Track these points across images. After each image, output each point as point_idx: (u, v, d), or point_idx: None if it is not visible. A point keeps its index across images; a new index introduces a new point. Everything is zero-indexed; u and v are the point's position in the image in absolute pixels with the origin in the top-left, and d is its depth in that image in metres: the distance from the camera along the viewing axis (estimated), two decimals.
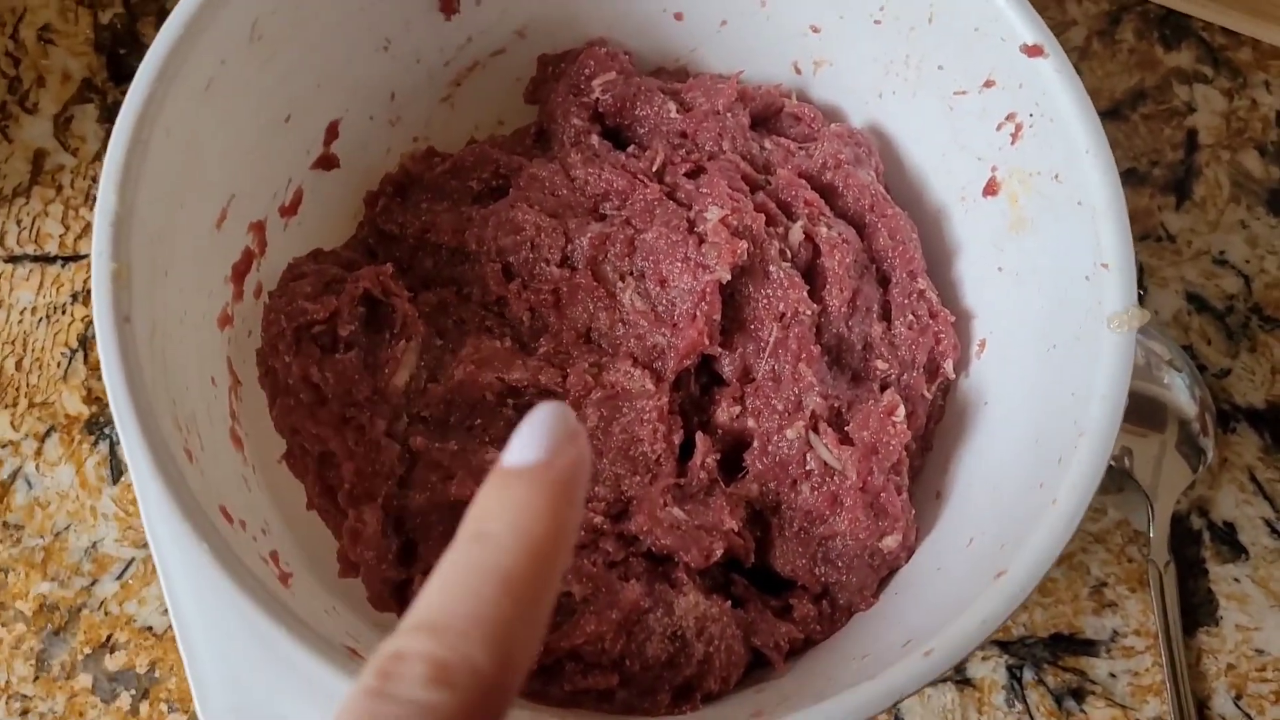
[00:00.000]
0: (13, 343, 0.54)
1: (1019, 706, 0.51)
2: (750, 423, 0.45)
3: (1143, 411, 0.55)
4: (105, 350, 0.35)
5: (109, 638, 0.50)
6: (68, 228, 0.57)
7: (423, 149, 0.52)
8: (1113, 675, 0.52)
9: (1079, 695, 0.51)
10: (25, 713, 0.49)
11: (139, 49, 0.60)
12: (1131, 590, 0.53)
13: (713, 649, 0.41)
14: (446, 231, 0.48)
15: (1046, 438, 0.40)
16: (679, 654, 0.41)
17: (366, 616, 0.42)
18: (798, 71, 0.52)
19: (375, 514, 0.42)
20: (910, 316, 0.47)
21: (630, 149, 0.50)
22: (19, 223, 0.56)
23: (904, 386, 0.46)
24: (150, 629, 0.50)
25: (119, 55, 0.60)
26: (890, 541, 0.43)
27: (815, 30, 0.50)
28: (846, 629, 0.44)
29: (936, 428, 0.48)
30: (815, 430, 0.44)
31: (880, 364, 0.47)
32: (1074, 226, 0.41)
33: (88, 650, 0.50)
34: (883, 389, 0.46)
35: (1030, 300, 0.44)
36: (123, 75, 0.60)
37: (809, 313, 0.45)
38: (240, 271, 0.45)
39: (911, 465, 0.46)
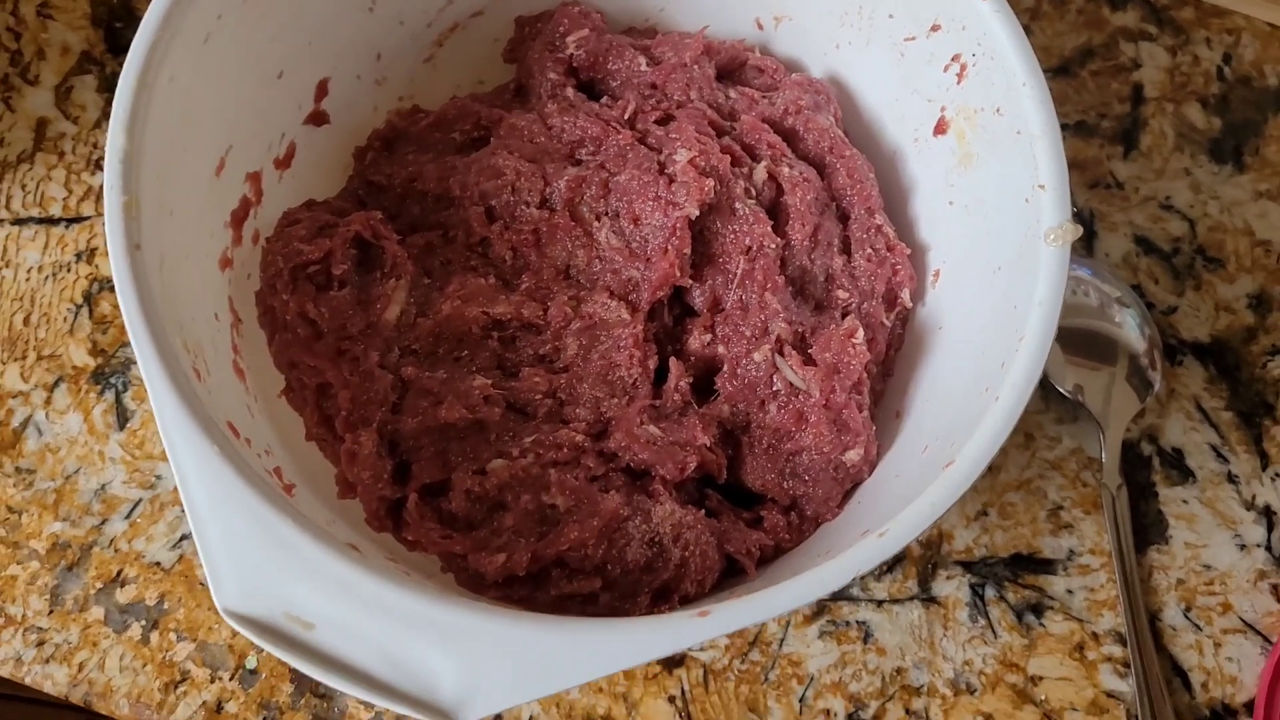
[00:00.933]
0: (20, 300, 0.57)
1: (982, 621, 0.54)
2: (720, 349, 0.48)
3: (1095, 347, 0.58)
4: (119, 274, 0.38)
5: (119, 573, 0.53)
6: (70, 191, 0.60)
7: (408, 107, 0.55)
8: (1070, 591, 0.55)
9: (1038, 610, 0.54)
10: (41, 644, 0.52)
11: (134, 22, 0.61)
12: (1086, 513, 0.56)
13: (688, 553, 0.44)
14: (432, 179, 0.51)
15: (991, 348, 0.43)
16: (657, 558, 0.44)
17: (364, 534, 0.45)
18: (759, 27, 0.55)
19: (371, 437, 0.45)
20: (869, 250, 0.50)
21: (603, 100, 0.53)
22: (24, 187, 0.59)
23: (864, 315, 0.50)
24: (158, 564, 0.53)
25: (115, 29, 0.63)
26: (853, 455, 0.46)
27: None
28: (814, 538, 0.47)
29: (896, 355, 0.51)
30: (781, 353, 0.47)
31: (841, 293, 0.50)
32: (1014, 155, 0.44)
33: (99, 585, 0.53)
34: (844, 316, 0.49)
35: (978, 229, 0.47)
36: (120, 47, 0.63)
37: (773, 246, 0.48)
38: (239, 218, 0.48)
39: (873, 389, 0.49)
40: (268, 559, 0.36)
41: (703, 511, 0.46)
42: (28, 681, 0.52)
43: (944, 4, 0.47)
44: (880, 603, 0.54)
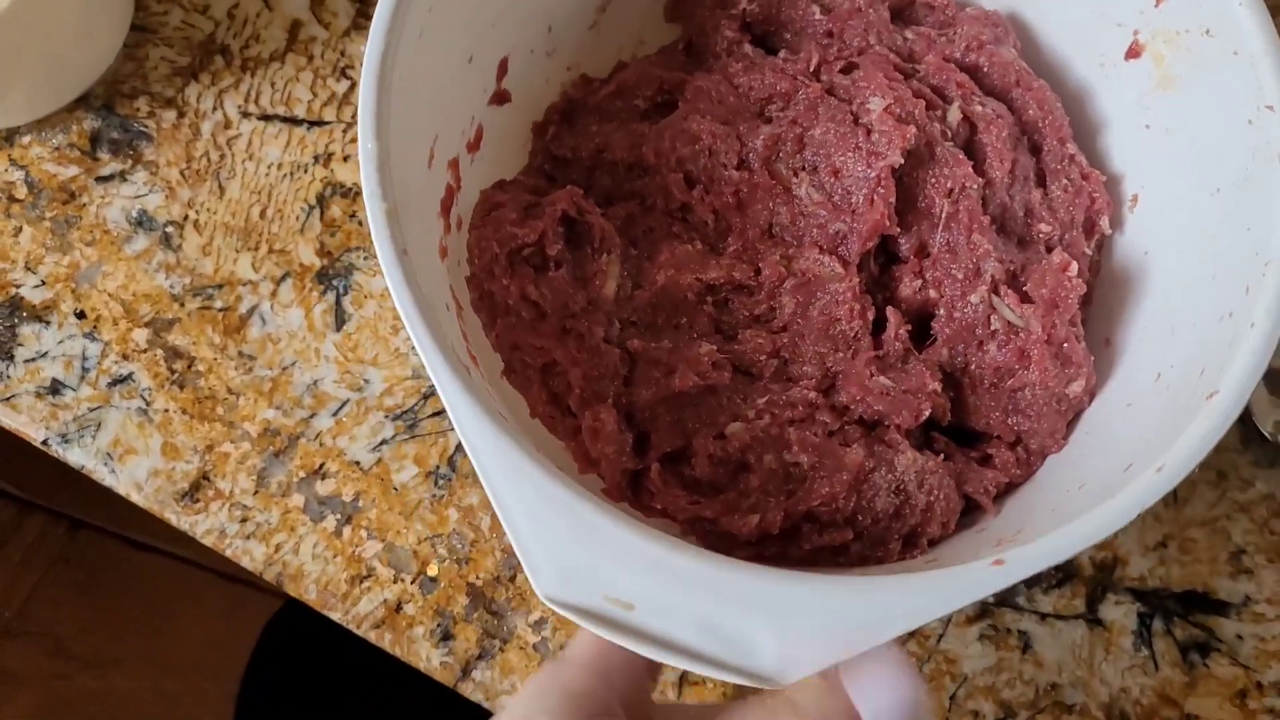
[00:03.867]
0: (259, 193, 0.59)
1: (1145, 652, 0.54)
2: (933, 293, 0.48)
3: None
4: (394, 282, 0.39)
5: (321, 466, 0.55)
6: (315, 95, 0.61)
7: (577, 76, 0.55)
8: (1239, 637, 0.55)
9: (1204, 650, 0.54)
10: (244, 520, 0.55)
11: None
12: (1270, 561, 0.56)
13: (933, 498, 0.45)
14: (622, 149, 0.51)
15: (1224, 272, 0.43)
16: (904, 505, 0.45)
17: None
18: None
19: (610, 412, 0.46)
20: (1064, 180, 0.51)
21: (782, 53, 0.53)
22: (273, 85, 0.61)
23: (1066, 246, 0.50)
24: (358, 463, 0.56)
25: None
26: (1075, 387, 0.47)
27: None
28: (1042, 470, 0.48)
29: (1095, 281, 0.52)
30: (996, 293, 0.48)
31: (1043, 227, 0.50)
32: (1230, 76, 0.44)
33: (302, 474, 0.55)
34: (1048, 250, 0.50)
35: (1183, 151, 0.47)
36: None
37: (975, 186, 0.49)
38: (446, 206, 0.48)
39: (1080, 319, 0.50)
40: (580, 545, 0.37)
41: (940, 455, 0.47)
42: (228, 554, 0.54)
43: None
44: (1044, 616, 0.55)
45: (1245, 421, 0.57)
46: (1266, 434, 0.56)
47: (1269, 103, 0.43)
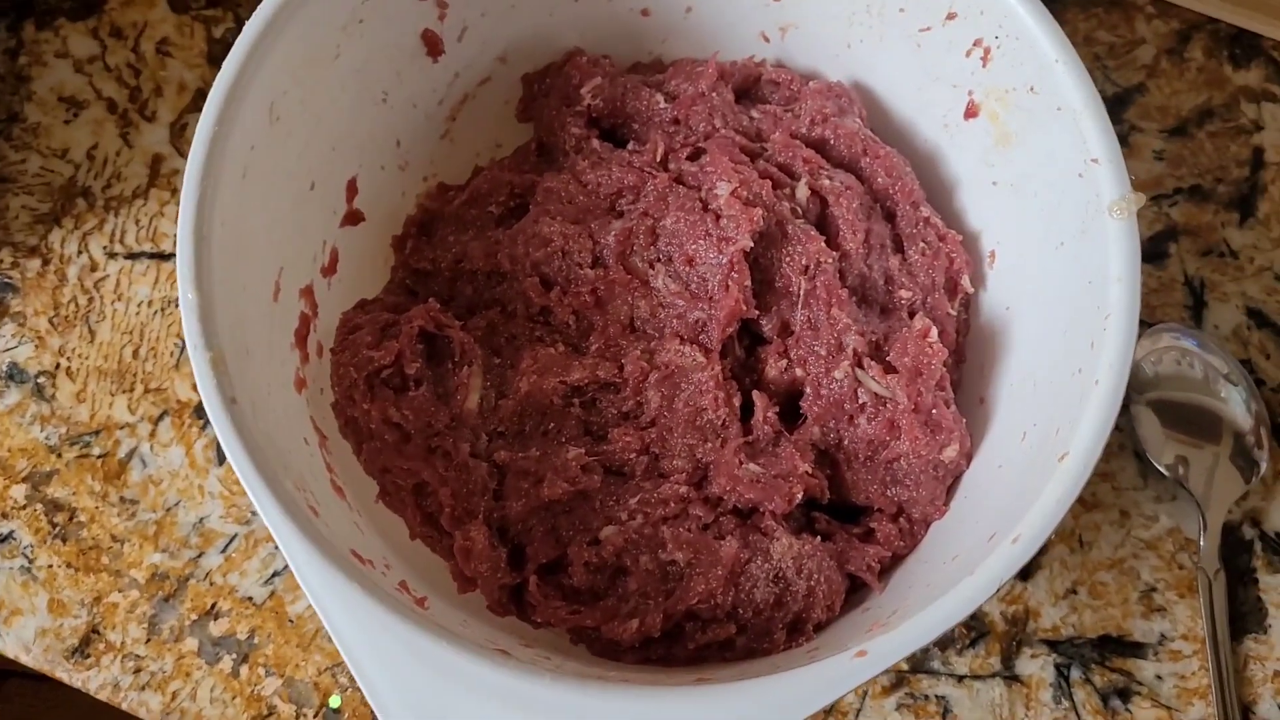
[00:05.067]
0: (130, 333, 0.59)
1: (1065, 704, 0.53)
2: (799, 372, 0.48)
3: (1198, 423, 0.56)
4: (223, 432, 0.38)
5: (213, 605, 0.54)
6: None
7: (434, 186, 0.55)
8: (1159, 677, 0.54)
9: (1125, 695, 0.54)
10: (138, 671, 0.53)
11: None
12: (1180, 596, 0.55)
13: (814, 582, 0.45)
14: (479, 257, 0.51)
15: (1073, 327, 0.43)
16: (784, 593, 0.44)
17: (493, 623, 0.46)
18: (766, 40, 0.55)
19: (480, 530, 0.46)
20: (921, 244, 0.51)
21: (630, 145, 0.53)
22: (137, 222, 0.61)
23: (930, 309, 0.50)
24: (250, 599, 0.54)
25: None
26: (950, 452, 0.47)
27: None
28: (927, 539, 0.47)
29: (965, 340, 0.51)
30: (860, 366, 0.47)
31: (904, 293, 0.50)
32: (1058, 131, 0.45)
33: (194, 616, 0.54)
34: (911, 315, 0.50)
35: (1028, 206, 0.48)
36: None
37: (830, 260, 0.49)
38: (301, 336, 0.48)
39: (951, 379, 0.50)
40: (425, 678, 0.36)
41: (817, 537, 0.46)
42: (124, 707, 0.53)
43: None
44: (961, 678, 0.54)
45: (1142, 458, 0.56)
46: (1163, 470, 0.55)
47: (1094, 156, 0.43)
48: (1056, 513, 0.38)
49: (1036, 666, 0.54)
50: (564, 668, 0.39)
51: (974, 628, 0.55)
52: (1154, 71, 0.64)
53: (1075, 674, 0.54)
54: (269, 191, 0.46)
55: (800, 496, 0.46)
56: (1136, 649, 0.54)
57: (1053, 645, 0.54)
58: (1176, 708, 0.53)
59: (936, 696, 0.54)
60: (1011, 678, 0.54)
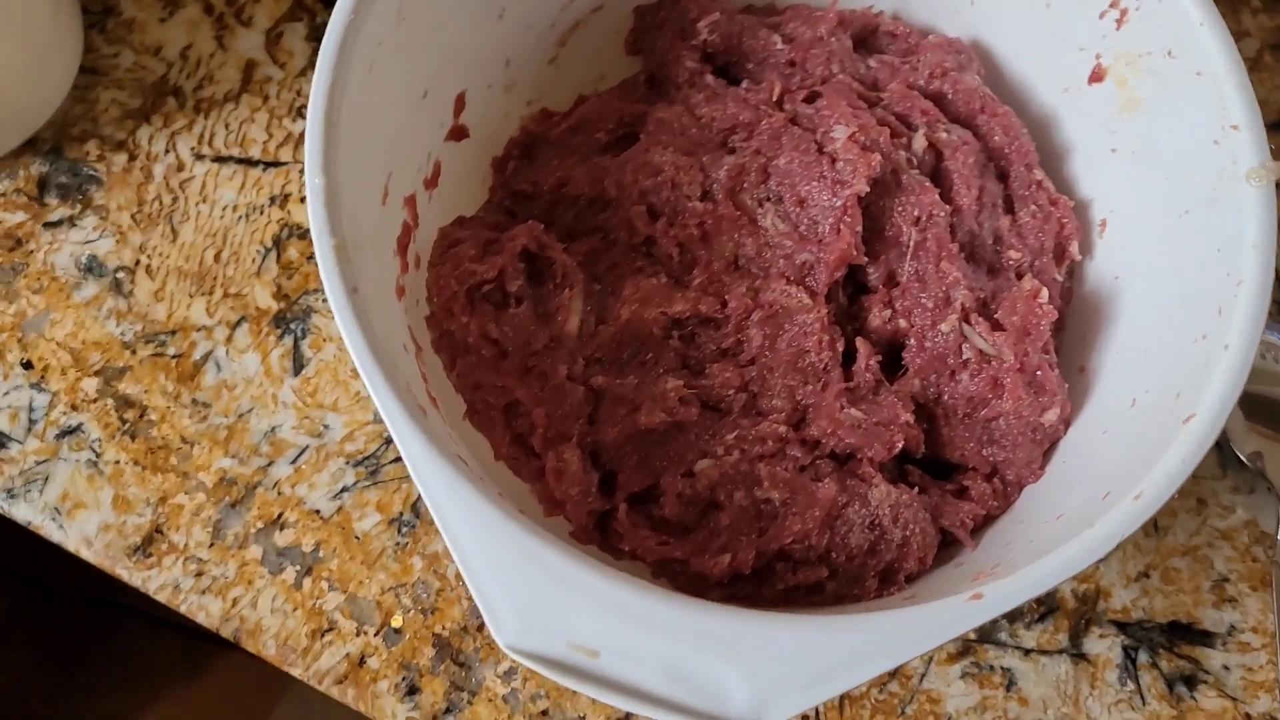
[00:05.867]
0: (213, 236, 0.58)
1: (1130, 686, 0.53)
2: (903, 323, 0.48)
3: (1279, 415, 0.56)
4: (344, 320, 0.37)
5: (280, 515, 0.53)
6: (270, 135, 0.60)
7: (537, 110, 0.54)
8: (1226, 668, 0.53)
9: (1191, 682, 0.53)
10: (199, 574, 0.53)
11: None
12: (1253, 589, 0.54)
13: (909, 532, 0.44)
14: (584, 182, 0.50)
15: (1196, 294, 0.43)
16: (879, 541, 0.44)
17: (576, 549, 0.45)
18: None
19: (574, 452, 0.45)
20: (1033, 206, 0.50)
21: (744, 84, 0.52)
22: (227, 126, 0.60)
23: (1037, 272, 0.49)
24: (318, 512, 0.54)
25: None
26: (1050, 415, 0.46)
27: None
28: (1020, 501, 0.47)
29: (1068, 308, 0.51)
30: (967, 321, 0.47)
31: (1012, 254, 0.49)
32: (1194, 97, 0.44)
33: (260, 525, 0.53)
34: (1018, 277, 0.49)
35: (1150, 174, 0.47)
36: None
37: (943, 214, 0.48)
38: (403, 244, 0.47)
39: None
40: (543, 591, 0.36)
41: (914, 488, 0.46)
42: (182, 610, 0.52)
43: None
44: (1028, 651, 0.53)
45: (1222, 448, 0.56)
46: (1244, 459, 0.55)
47: (1233, 122, 0.42)
48: (1182, 472, 0.38)
49: (1104, 646, 0.54)
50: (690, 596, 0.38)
51: (1044, 602, 0.54)
52: (1257, 65, 0.63)
53: (1143, 657, 0.53)
54: (388, 92, 0.45)
55: (900, 445, 0.45)
56: (1205, 638, 0.54)
57: (1122, 627, 0.54)
58: (1242, 700, 0.53)
59: (1002, 668, 0.53)
60: (1079, 655, 0.53)
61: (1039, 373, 0.46)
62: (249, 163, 0.59)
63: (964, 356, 0.47)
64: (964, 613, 0.36)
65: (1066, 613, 0.54)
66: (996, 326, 0.47)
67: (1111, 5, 0.47)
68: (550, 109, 0.55)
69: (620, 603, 0.35)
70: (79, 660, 0.88)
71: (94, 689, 0.89)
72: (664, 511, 0.45)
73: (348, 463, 0.54)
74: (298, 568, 0.53)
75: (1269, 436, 0.55)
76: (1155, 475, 0.38)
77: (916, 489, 0.46)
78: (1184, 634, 0.54)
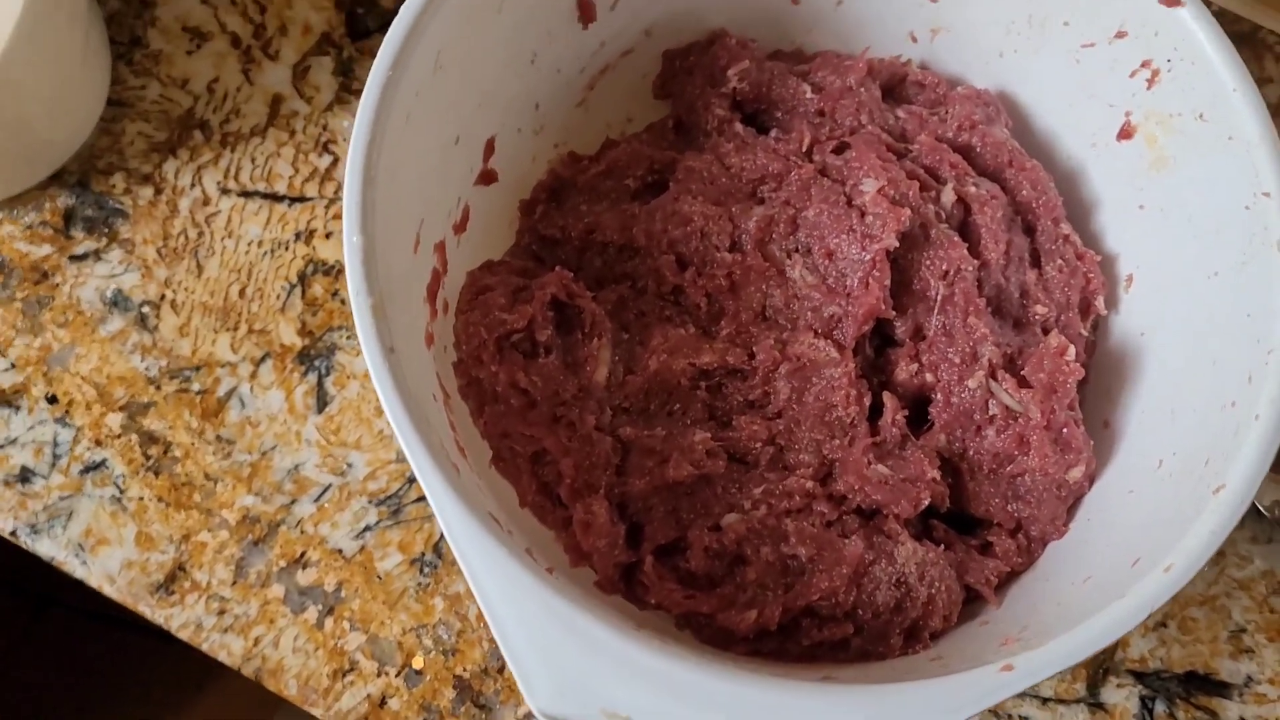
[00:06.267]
0: (238, 271, 0.58)
1: None
2: (929, 377, 0.48)
3: None
4: (381, 382, 0.38)
5: (302, 554, 0.54)
6: (297, 170, 0.60)
7: (564, 153, 0.55)
8: (1243, 719, 0.54)
9: None
10: (222, 613, 0.53)
11: (376, 9, 0.63)
12: (1270, 640, 0.55)
13: (935, 590, 0.44)
14: (613, 229, 0.50)
15: (1225, 358, 0.43)
16: (905, 598, 0.44)
17: (601, 601, 0.45)
18: (914, 40, 0.55)
19: (602, 504, 0.45)
20: (1059, 260, 0.50)
21: (774, 133, 0.52)
22: (253, 160, 0.60)
23: (1063, 327, 0.49)
24: (340, 551, 0.54)
25: (357, 13, 0.63)
26: (1076, 473, 0.46)
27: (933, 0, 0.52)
28: (1044, 558, 0.47)
29: (1091, 361, 0.51)
30: (994, 377, 0.47)
31: (1039, 309, 0.50)
32: (1226, 160, 0.44)
33: (283, 563, 0.53)
34: (1044, 332, 0.49)
35: (1178, 233, 0.47)
36: (358, 33, 0.62)
37: (970, 268, 0.48)
38: (432, 291, 0.47)
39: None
40: (577, 656, 0.36)
41: (940, 546, 0.46)
42: (204, 648, 0.53)
43: (1131, 10, 0.46)
44: (1045, 700, 0.53)
45: None
46: (1263, 510, 0.55)
47: (1265, 189, 0.42)
48: (1211, 544, 0.38)
49: (1122, 696, 0.54)
50: (706, 655, 0.38)
51: None
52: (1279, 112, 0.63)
53: (1160, 708, 0.54)
54: (423, 141, 0.45)
55: (926, 502, 0.45)
56: (1222, 689, 0.54)
57: (1139, 677, 0.54)
58: None
59: (1020, 717, 0.53)
60: (1096, 705, 0.54)
61: (1065, 430, 0.46)
62: (275, 198, 0.59)
63: (990, 412, 0.47)
64: (997, 684, 0.36)
65: (1084, 662, 0.54)
66: (1023, 383, 0.47)
67: (1143, 65, 0.47)
68: (578, 152, 0.55)
69: (654, 669, 0.35)
70: (91, 676, 0.89)
71: (105, 704, 0.90)
72: (690, 565, 0.45)
73: (370, 502, 0.54)
74: (320, 607, 0.53)
75: None
76: (1186, 547, 0.38)
77: (941, 545, 0.46)
78: (1201, 685, 0.54)
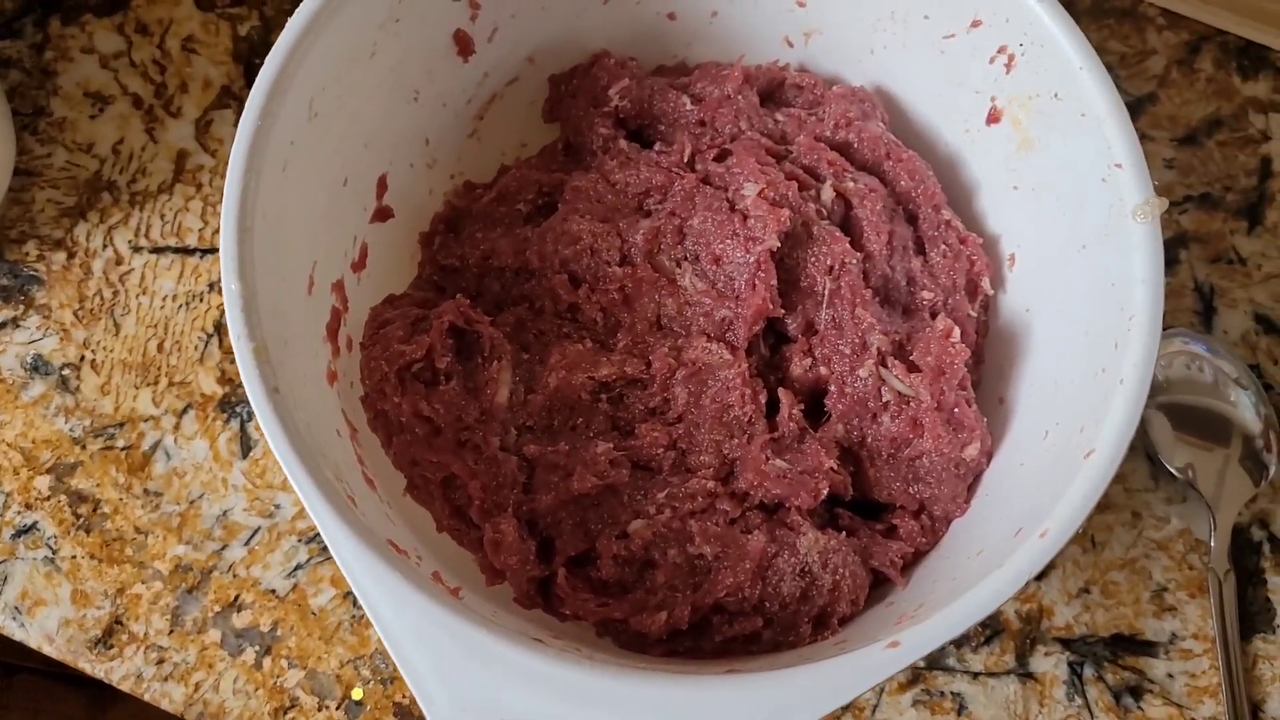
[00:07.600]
0: (155, 326, 0.59)
1: (1079, 701, 0.54)
2: (823, 370, 0.49)
3: (1208, 426, 0.57)
4: (266, 422, 0.39)
5: (236, 598, 0.55)
6: (206, 223, 0.61)
7: (460, 184, 0.56)
8: (1170, 676, 0.55)
9: (1137, 693, 0.55)
10: (161, 662, 0.54)
11: None
12: (1191, 596, 0.56)
13: (839, 577, 0.45)
14: (508, 254, 0.51)
15: (1096, 328, 0.44)
16: (810, 587, 0.45)
17: (521, 616, 0.46)
18: (789, 45, 0.56)
19: (510, 522, 0.46)
20: (943, 246, 0.51)
21: (656, 146, 0.54)
22: (162, 217, 0.61)
23: (951, 310, 0.51)
24: (273, 591, 0.55)
25: (255, 65, 0.64)
26: (971, 450, 0.48)
27: (800, 4, 0.54)
28: (949, 535, 0.48)
29: (984, 341, 0.52)
30: (884, 365, 0.48)
31: (926, 294, 0.51)
32: (1081, 136, 0.45)
33: (217, 608, 0.55)
34: (933, 316, 0.51)
35: (1049, 210, 0.49)
36: None
37: (854, 261, 0.49)
38: (333, 329, 0.48)
39: (970, 380, 0.50)
40: (468, 667, 0.37)
41: (841, 532, 0.47)
42: (146, 698, 0.54)
43: (983, 0, 0.48)
44: (976, 675, 0.55)
45: (1153, 460, 0.57)
46: (1174, 471, 0.56)
47: (1117, 161, 0.44)
48: (1083, 508, 0.39)
49: (1050, 664, 0.55)
50: (598, 658, 0.39)
51: (989, 626, 0.55)
52: (1164, 81, 0.65)
53: (1088, 672, 0.55)
54: (306, 186, 0.46)
55: (825, 492, 0.47)
56: (1148, 648, 0.55)
57: (1066, 643, 0.55)
58: (1187, 705, 0.54)
59: (952, 693, 0.54)
60: (1026, 675, 0.55)
61: (956, 410, 0.48)
62: (186, 251, 0.60)
63: (884, 399, 0.48)
64: (882, 661, 0.37)
65: (1011, 634, 0.55)
66: (913, 368, 0.48)
67: (1000, 51, 0.49)
68: (473, 180, 0.56)
69: (550, 676, 0.36)
70: None
71: None
72: (602, 573, 0.46)
73: (300, 540, 0.55)
74: (257, 648, 0.54)
75: (1198, 446, 0.57)
76: (1058, 512, 0.39)
77: (845, 532, 0.47)
78: (1127, 646, 0.55)
